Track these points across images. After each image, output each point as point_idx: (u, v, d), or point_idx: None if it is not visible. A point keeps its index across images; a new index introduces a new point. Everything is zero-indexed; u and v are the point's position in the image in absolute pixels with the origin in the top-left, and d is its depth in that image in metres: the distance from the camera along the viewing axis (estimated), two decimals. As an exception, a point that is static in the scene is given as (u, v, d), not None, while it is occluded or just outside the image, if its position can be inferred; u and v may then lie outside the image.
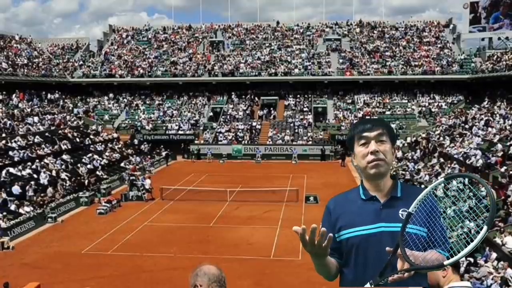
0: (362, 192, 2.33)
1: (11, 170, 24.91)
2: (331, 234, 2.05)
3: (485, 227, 1.73)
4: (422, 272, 1.99)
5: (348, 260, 2.30)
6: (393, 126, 36.72)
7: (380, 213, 2.24)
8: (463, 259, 13.78)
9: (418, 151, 32.10)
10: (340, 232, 2.31)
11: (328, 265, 2.26)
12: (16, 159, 26.67)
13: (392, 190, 2.29)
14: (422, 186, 22.78)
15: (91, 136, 36.71)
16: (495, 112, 32.97)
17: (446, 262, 1.84)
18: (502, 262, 13.45)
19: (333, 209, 2.38)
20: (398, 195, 2.28)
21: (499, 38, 49.39)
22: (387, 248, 1.98)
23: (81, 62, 50.51)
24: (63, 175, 27.07)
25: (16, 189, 22.61)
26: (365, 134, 2.27)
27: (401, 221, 2.09)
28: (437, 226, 2.08)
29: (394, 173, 27.59)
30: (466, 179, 1.97)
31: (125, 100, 47.71)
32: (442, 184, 2.06)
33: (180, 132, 41.91)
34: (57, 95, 44.24)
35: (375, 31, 52.77)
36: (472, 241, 1.77)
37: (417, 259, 1.92)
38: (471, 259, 14.13)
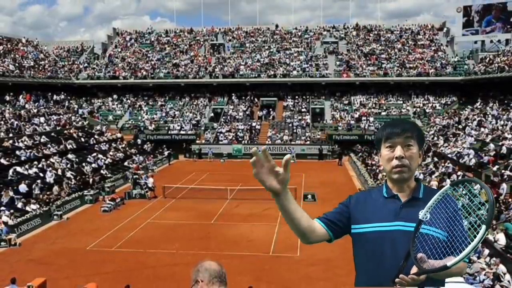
0: (385, 191, 2.30)
1: (18, 169, 24.91)
2: (265, 147, 2.10)
3: (483, 226, 1.70)
4: (433, 276, 1.92)
5: (360, 252, 2.28)
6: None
7: (399, 212, 2.20)
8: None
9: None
10: (357, 225, 2.29)
11: (294, 215, 2.19)
12: (23, 158, 26.68)
13: (414, 191, 2.26)
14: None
15: (96, 136, 36.71)
16: (488, 113, 32.99)
17: (449, 264, 1.79)
18: (494, 259, 13.44)
19: (354, 201, 2.36)
20: (419, 196, 2.24)
21: (491, 41, 49.48)
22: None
23: (86, 64, 50.49)
24: (69, 174, 27.06)
25: (23, 188, 22.60)
26: (392, 137, 2.22)
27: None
28: (456, 230, 1.99)
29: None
30: (476, 184, 1.95)
31: (128, 101, 47.68)
32: (450, 190, 2.04)
33: (182, 132, 41.89)
34: (62, 96, 44.24)
35: (371, 34, 52.77)
36: (472, 240, 1.75)
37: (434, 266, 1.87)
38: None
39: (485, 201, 1.77)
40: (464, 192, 1.98)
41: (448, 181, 22.36)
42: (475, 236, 1.74)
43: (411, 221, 2.11)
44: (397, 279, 1.91)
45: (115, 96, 48.05)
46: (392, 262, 2.02)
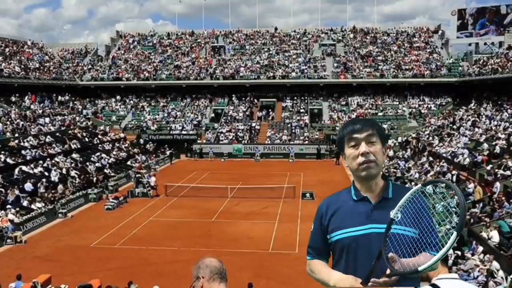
0: (353, 193, 2.21)
1: (24, 168, 24.88)
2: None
3: (454, 233, 1.66)
4: (407, 276, 1.87)
5: (338, 261, 2.20)
6: (385, 126, 36.90)
7: (371, 214, 2.12)
8: (451, 252, 13.76)
9: (409, 150, 32.11)
10: (331, 234, 2.20)
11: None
12: (28, 157, 26.65)
13: (384, 191, 2.17)
14: (413, 183, 22.79)
15: (99, 136, 36.67)
16: (481, 113, 33.01)
17: (420, 268, 1.74)
18: (488, 255, 13.45)
19: (325, 211, 2.25)
20: (389, 196, 2.15)
21: (485, 43, 49.58)
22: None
23: (89, 66, 50.45)
24: (73, 173, 27.04)
25: (28, 186, 22.58)
26: (355, 135, 2.13)
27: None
28: (426, 227, 1.95)
29: (386, 172, 27.56)
30: (443, 184, 1.92)
31: (131, 102, 47.67)
32: (420, 191, 2.00)
33: (183, 132, 41.89)
34: (67, 97, 44.17)
35: (368, 37, 52.75)
36: (443, 246, 1.71)
37: (408, 265, 1.82)
38: (459, 252, 14.14)
39: (457, 205, 1.74)
40: (438, 191, 1.94)
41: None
42: (447, 239, 1.71)
43: (384, 223, 2.02)
44: (369, 283, 1.86)
45: (118, 97, 48.02)
46: (368, 265, 1.95)
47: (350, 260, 2.13)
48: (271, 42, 53.49)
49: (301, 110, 44.67)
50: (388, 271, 1.84)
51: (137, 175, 27.66)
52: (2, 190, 21.40)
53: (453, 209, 1.81)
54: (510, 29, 46.30)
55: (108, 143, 36.02)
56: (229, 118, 44.01)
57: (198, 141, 40.39)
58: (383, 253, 1.87)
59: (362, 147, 2.11)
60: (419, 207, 1.97)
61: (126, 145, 37.78)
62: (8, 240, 17.82)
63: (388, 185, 2.20)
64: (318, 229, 2.27)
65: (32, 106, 37.25)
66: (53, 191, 23.32)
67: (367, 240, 2.07)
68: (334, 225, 2.19)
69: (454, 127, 32.68)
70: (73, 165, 28.56)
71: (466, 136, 28.83)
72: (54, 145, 30.23)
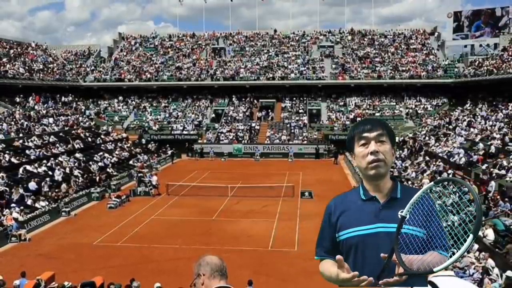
0: (362, 193, 2.18)
1: (28, 167, 24.87)
2: (371, 279, 1.84)
3: (471, 236, 1.64)
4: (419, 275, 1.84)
5: (346, 259, 2.13)
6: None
7: (379, 214, 2.10)
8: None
9: (406, 150, 32.10)
10: (339, 232, 2.18)
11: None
12: (32, 157, 26.64)
13: (392, 191, 2.15)
14: (409, 182, 22.78)
15: (102, 136, 36.66)
16: (477, 114, 33.00)
17: (435, 269, 1.73)
18: (483, 253, 13.44)
19: (333, 210, 2.23)
20: (398, 196, 2.13)
21: (480, 45, 49.65)
22: (382, 255, 1.86)
23: (92, 67, 50.43)
24: (76, 172, 27.02)
25: (32, 185, 22.57)
26: (365, 134, 2.12)
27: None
28: (435, 226, 1.94)
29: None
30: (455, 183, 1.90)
31: (133, 102, 47.64)
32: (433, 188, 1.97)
33: (184, 132, 41.87)
34: (70, 98, 44.17)
35: (365, 39, 52.75)
36: (463, 244, 1.68)
37: (414, 263, 1.80)
38: (455, 250, 14.11)
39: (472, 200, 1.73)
40: (453, 190, 1.94)
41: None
42: (460, 237, 1.69)
43: (392, 222, 2.00)
44: (381, 281, 1.84)
45: (120, 98, 48.00)
46: (376, 264, 1.93)
47: (358, 259, 2.11)
48: (270, 43, 53.48)
49: (300, 111, 44.66)
50: (400, 270, 1.81)
51: (139, 174, 27.66)
52: (7, 189, 21.38)
53: (467, 210, 1.81)
54: (505, 31, 46.33)
55: (110, 143, 36.00)
56: (229, 118, 44.00)
57: (199, 141, 40.39)
58: (396, 251, 1.84)
59: (371, 145, 2.10)
60: (427, 206, 1.95)
61: (128, 145, 37.76)
62: (13, 238, 17.81)
63: (397, 186, 2.19)
64: (326, 228, 2.25)
65: (36, 107, 37.24)
66: (56, 190, 23.30)
67: (375, 239, 2.06)
68: (342, 224, 2.17)
69: (450, 127, 32.67)
70: (76, 164, 28.54)
71: (461, 136, 28.82)
72: (57, 145, 30.22)
